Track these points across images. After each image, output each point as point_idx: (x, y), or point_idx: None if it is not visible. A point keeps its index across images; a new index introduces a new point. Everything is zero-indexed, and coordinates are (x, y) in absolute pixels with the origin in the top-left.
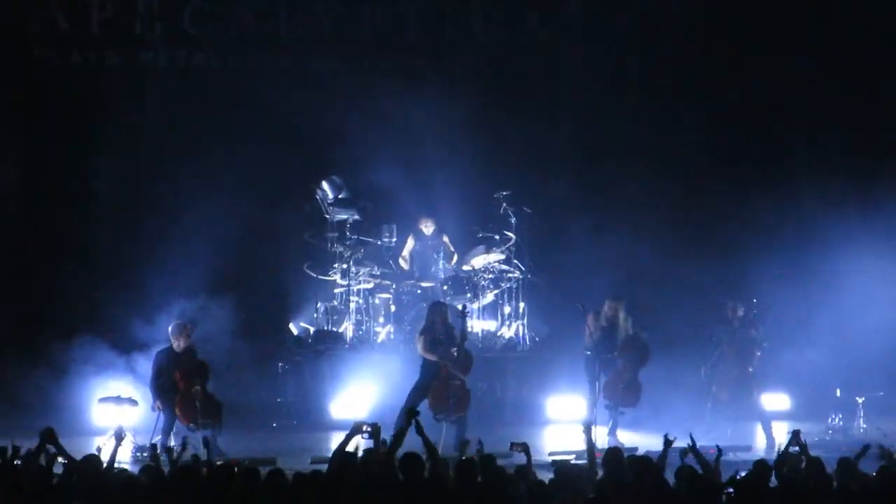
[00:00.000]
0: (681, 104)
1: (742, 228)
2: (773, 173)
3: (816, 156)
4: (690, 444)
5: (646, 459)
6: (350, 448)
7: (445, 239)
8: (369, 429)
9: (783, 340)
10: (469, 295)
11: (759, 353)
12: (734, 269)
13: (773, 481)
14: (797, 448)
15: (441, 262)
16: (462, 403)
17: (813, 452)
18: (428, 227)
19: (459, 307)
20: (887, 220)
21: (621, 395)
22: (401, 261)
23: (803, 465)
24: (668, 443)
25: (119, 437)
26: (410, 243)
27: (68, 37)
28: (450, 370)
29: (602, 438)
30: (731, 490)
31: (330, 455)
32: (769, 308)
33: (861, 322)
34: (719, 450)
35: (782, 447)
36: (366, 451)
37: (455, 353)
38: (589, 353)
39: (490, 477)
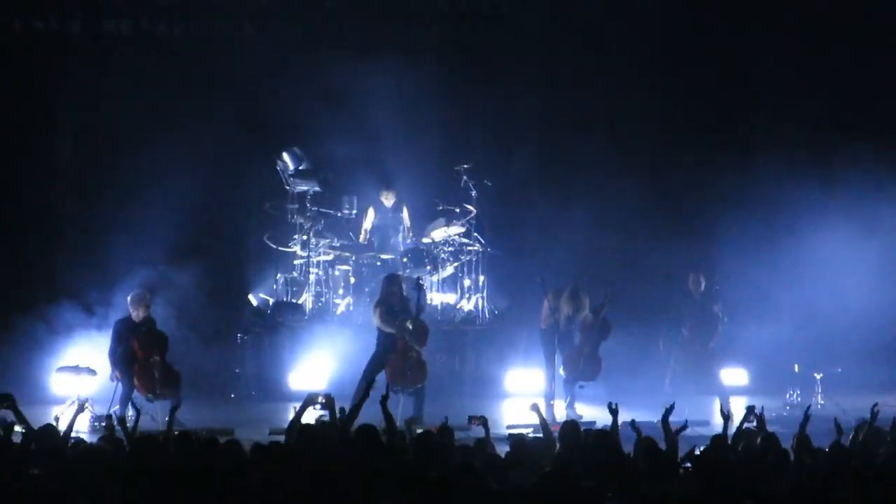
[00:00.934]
0: (645, 79)
1: (706, 203)
2: (738, 148)
3: (780, 131)
4: (664, 415)
5: (602, 433)
6: (305, 419)
7: (405, 214)
8: (323, 399)
9: (745, 315)
10: (429, 267)
11: (719, 329)
12: (698, 244)
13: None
14: (753, 423)
15: (400, 234)
16: (419, 375)
17: (771, 428)
18: (388, 199)
19: (416, 278)
20: (849, 195)
21: (581, 370)
22: (362, 233)
23: (759, 440)
24: (613, 412)
25: (81, 408)
26: (371, 215)
27: (31, 4)
28: (406, 342)
29: (561, 412)
30: (688, 465)
31: (286, 426)
32: (728, 280)
33: (821, 298)
34: (685, 424)
35: (742, 427)
36: (320, 422)
37: (411, 326)
38: (545, 327)
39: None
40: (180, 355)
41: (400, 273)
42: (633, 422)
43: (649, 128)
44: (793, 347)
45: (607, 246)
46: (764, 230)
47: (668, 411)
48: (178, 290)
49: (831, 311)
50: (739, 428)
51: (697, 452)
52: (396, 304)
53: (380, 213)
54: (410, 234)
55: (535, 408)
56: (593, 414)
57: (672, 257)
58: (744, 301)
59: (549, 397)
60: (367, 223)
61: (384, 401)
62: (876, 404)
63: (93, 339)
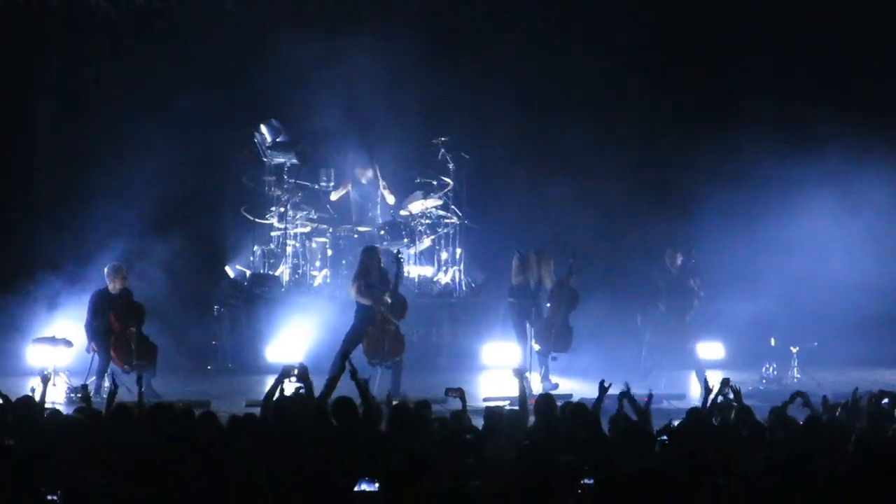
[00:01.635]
0: (626, 54)
1: (686, 178)
2: (718, 124)
3: (760, 108)
4: (625, 389)
5: (579, 406)
6: (281, 391)
7: (383, 189)
8: (297, 372)
9: (722, 290)
10: (406, 240)
11: (696, 303)
12: (677, 219)
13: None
14: (729, 395)
15: (378, 209)
16: (396, 348)
17: (747, 402)
18: (365, 176)
19: (394, 251)
20: (829, 170)
21: (553, 341)
22: (332, 195)
23: (733, 414)
24: (603, 389)
25: (45, 380)
26: (345, 189)
27: None
28: (384, 315)
29: (535, 385)
30: (664, 438)
31: (263, 399)
32: (705, 254)
33: (798, 272)
34: (650, 396)
35: (716, 399)
36: (297, 395)
37: (389, 299)
38: (512, 299)
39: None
40: (157, 327)
41: (378, 246)
42: (620, 396)
43: (629, 102)
44: (769, 321)
45: (585, 220)
46: (742, 205)
47: (627, 389)
48: (155, 262)
49: (808, 286)
50: (714, 400)
51: (674, 425)
52: (374, 276)
53: (357, 188)
54: (390, 211)
55: (519, 373)
56: (573, 387)
57: (651, 232)
58: (721, 276)
59: (524, 370)
60: (337, 196)
61: (354, 375)
62: (856, 389)
63: (70, 310)
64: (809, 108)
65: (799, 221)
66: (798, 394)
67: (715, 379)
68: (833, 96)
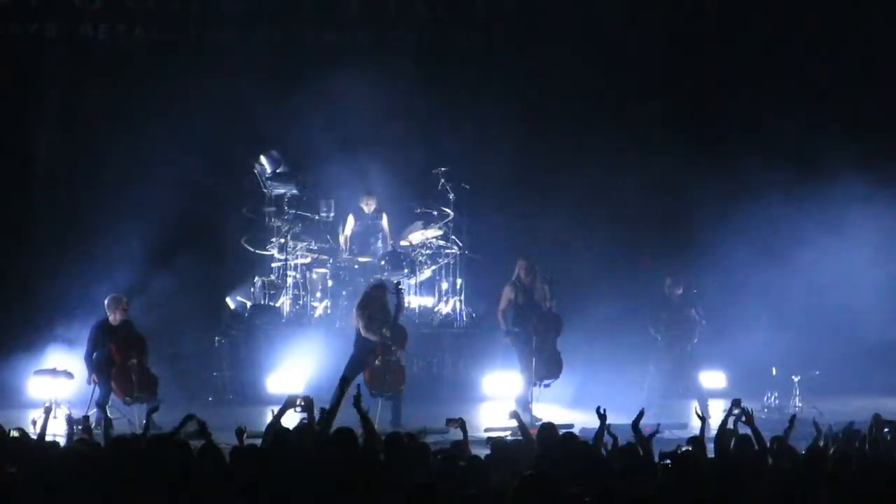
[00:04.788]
0: (623, 83)
1: (686, 206)
2: (719, 153)
3: (760, 136)
4: (634, 420)
5: (575, 437)
6: (284, 422)
7: (384, 222)
8: (303, 402)
9: (723, 319)
10: (406, 270)
11: (697, 332)
12: (678, 249)
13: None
14: (738, 414)
15: (379, 241)
16: (398, 380)
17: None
18: (369, 206)
19: (395, 282)
20: (830, 199)
21: (546, 369)
22: (341, 240)
23: (733, 442)
24: (602, 417)
25: (48, 411)
26: (351, 222)
27: (7, 7)
28: (385, 347)
29: (537, 414)
30: (668, 462)
31: (264, 430)
32: (706, 284)
33: (799, 302)
34: (657, 427)
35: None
36: (299, 426)
37: (388, 332)
38: (518, 330)
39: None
40: (157, 359)
41: (385, 283)
42: (609, 427)
43: (627, 133)
44: (771, 351)
45: (585, 249)
46: (743, 234)
47: (639, 417)
48: (156, 294)
49: (810, 315)
50: (725, 421)
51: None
52: (376, 308)
53: (360, 219)
54: (391, 243)
55: (515, 415)
56: (572, 417)
57: (652, 261)
58: (722, 304)
59: (525, 401)
60: (347, 230)
61: (357, 401)
62: (852, 423)
63: (70, 342)
64: (812, 134)
65: (797, 250)
66: (794, 418)
67: (717, 408)
68: (841, 120)
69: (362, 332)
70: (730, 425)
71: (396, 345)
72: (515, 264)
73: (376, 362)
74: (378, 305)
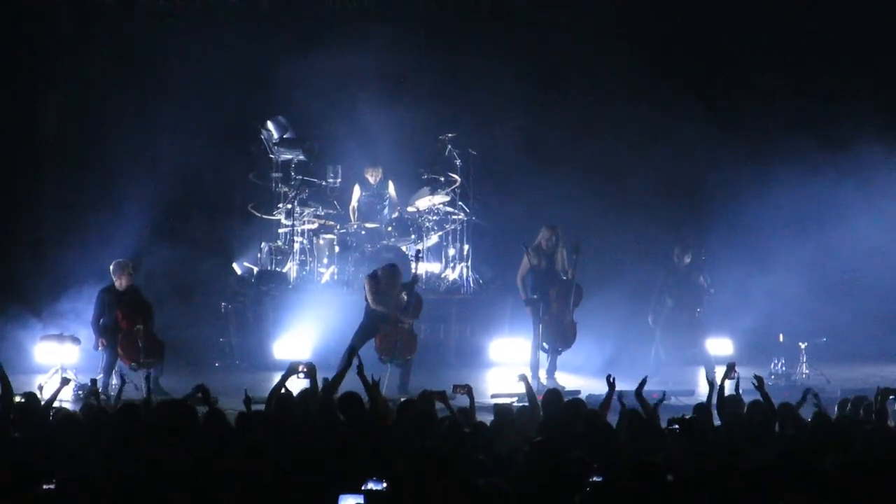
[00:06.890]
0: (634, 50)
1: (696, 170)
2: (729, 119)
3: (769, 104)
4: (637, 388)
5: (581, 403)
6: (289, 388)
7: (391, 190)
8: (305, 369)
9: (730, 286)
10: (413, 237)
11: (705, 300)
12: (687, 216)
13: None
14: (734, 379)
15: (386, 209)
16: (409, 347)
17: (755, 397)
18: (374, 176)
19: (416, 251)
20: (843, 167)
21: (561, 337)
22: (350, 211)
23: (745, 408)
24: (611, 385)
25: (65, 382)
26: (357, 192)
27: None
28: (398, 315)
29: (543, 380)
30: (675, 427)
31: (267, 395)
32: (713, 251)
33: (807, 268)
34: (663, 395)
35: (725, 385)
36: (303, 391)
37: (405, 299)
38: (536, 296)
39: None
40: (164, 324)
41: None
42: (620, 394)
43: (637, 99)
44: (778, 317)
45: (593, 215)
46: (752, 199)
47: (642, 384)
48: (163, 259)
49: (817, 281)
50: (722, 385)
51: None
52: (384, 285)
53: (365, 189)
54: (398, 210)
55: (523, 377)
56: (580, 383)
57: (660, 228)
58: (730, 271)
59: (535, 367)
60: (354, 200)
61: (360, 370)
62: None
63: (77, 307)
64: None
65: (806, 218)
66: (808, 392)
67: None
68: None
69: (371, 304)
70: (730, 390)
71: (411, 314)
72: (523, 230)
73: (389, 329)
74: (384, 286)
